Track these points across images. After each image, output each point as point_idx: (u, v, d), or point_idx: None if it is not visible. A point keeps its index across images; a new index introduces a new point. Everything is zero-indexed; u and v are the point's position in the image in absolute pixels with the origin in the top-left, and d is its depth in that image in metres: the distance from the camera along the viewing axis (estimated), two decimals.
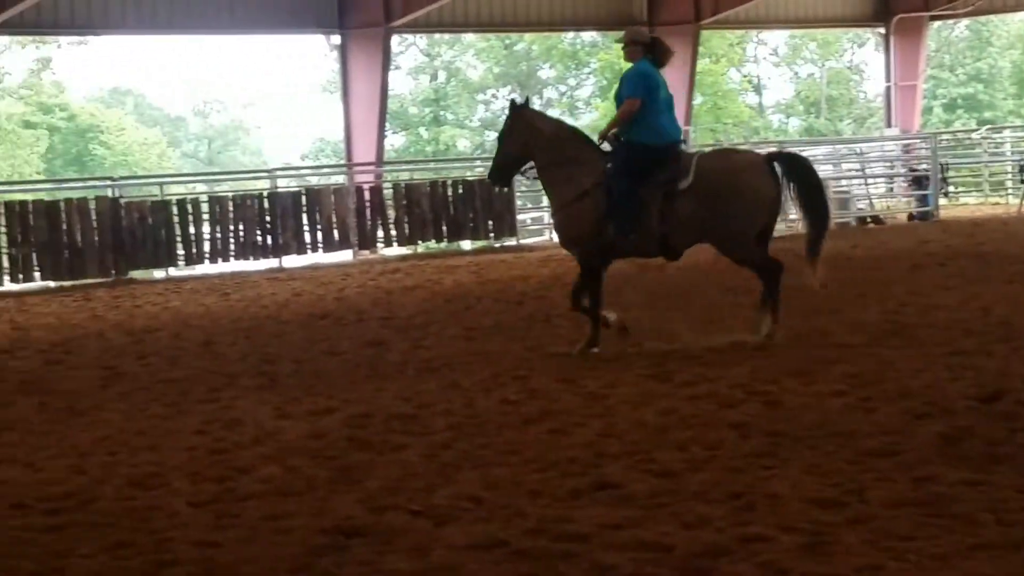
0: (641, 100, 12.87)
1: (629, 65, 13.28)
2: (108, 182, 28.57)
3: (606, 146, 13.17)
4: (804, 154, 36.35)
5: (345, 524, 7.22)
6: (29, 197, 26.63)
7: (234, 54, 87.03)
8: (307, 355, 13.95)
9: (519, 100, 13.64)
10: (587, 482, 7.85)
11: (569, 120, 68.45)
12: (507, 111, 13.57)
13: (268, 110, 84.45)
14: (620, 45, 13.54)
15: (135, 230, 25.74)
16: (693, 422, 9.47)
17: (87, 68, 77.13)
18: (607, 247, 12.94)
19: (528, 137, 13.18)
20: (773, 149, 13.27)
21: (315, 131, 72.78)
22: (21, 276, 24.81)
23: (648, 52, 13.21)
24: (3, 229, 24.70)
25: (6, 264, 24.73)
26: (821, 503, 7.20)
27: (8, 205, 25.25)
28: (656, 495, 7.53)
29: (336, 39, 32.95)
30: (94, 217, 25.44)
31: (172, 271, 26.53)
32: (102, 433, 10.23)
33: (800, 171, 13.03)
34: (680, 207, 12.66)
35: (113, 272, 25.38)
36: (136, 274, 25.82)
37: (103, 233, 25.39)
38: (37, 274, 24.94)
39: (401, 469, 8.48)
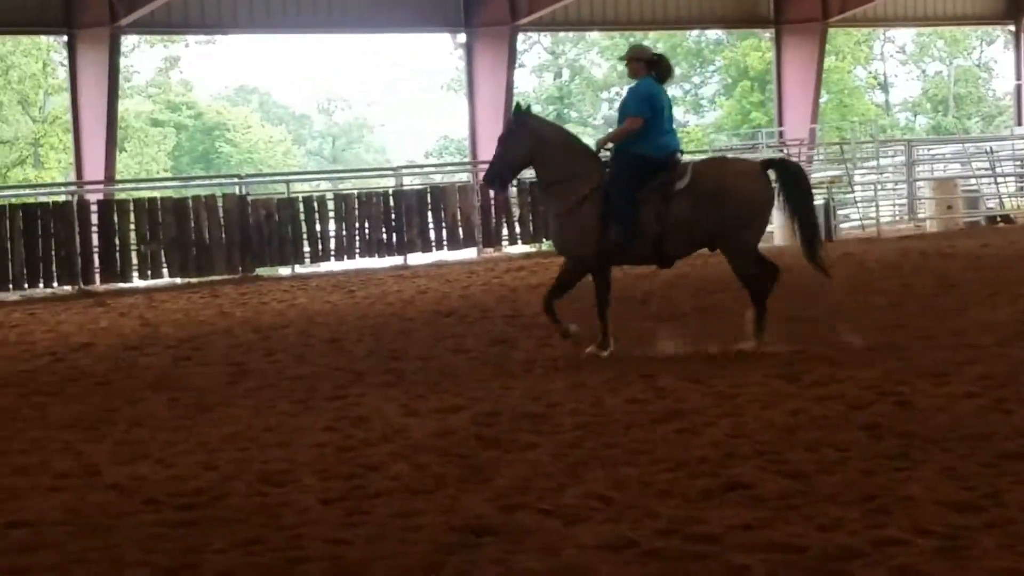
0: (644, 119, 12.95)
1: (634, 80, 13.36)
2: (235, 179, 28.85)
3: (604, 155, 13.25)
4: (932, 152, 36.13)
5: (475, 523, 7.20)
6: (157, 195, 26.94)
7: (359, 52, 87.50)
8: (433, 352, 13.97)
9: (523, 105, 13.58)
10: (717, 482, 7.78)
11: (693, 118, 68.33)
12: (512, 116, 13.55)
13: (392, 108, 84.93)
14: (623, 62, 13.59)
15: (262, 227, 25.97)
16: (823, 423, 9.36)
17: (214, 66, 77.88)
18: (607, 253, 12.99)
19: (531, 143, 13.18)
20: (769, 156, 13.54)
21: (439, 129, 73.05)
22: (150, 272, 25.12)
23: (651, 69, 13.25)
24: (133, 226, 25.01)
25: (135, 260, 25.04)
26: (957, 506, 7.08)
27: (138, 202, 25.58)
28: (787, 496, 7.45)
29: (462, 37, 33.04)
30: (221, 214, 25.70)
31: (298, 268, 26.72)
32: (231, 429, 10.30)
33: (793, 179, 13.17)
34: (675, 208, 12.77)
35: (240, 269, 25.62)
36: (262, 271, 26.04)
37: (230, 230, 25.65)
38: (166, 270, 25.24)
39: (530, 468, 8.46)
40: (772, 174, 13.16)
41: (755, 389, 10.73)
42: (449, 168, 43.41)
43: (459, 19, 32.56)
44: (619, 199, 12.79)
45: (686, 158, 13.61)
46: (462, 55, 33.61)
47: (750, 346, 12.68)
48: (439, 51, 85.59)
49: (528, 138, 13.17)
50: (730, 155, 36.08)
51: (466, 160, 36.52)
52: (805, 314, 14.64)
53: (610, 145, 13.23)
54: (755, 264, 12.94)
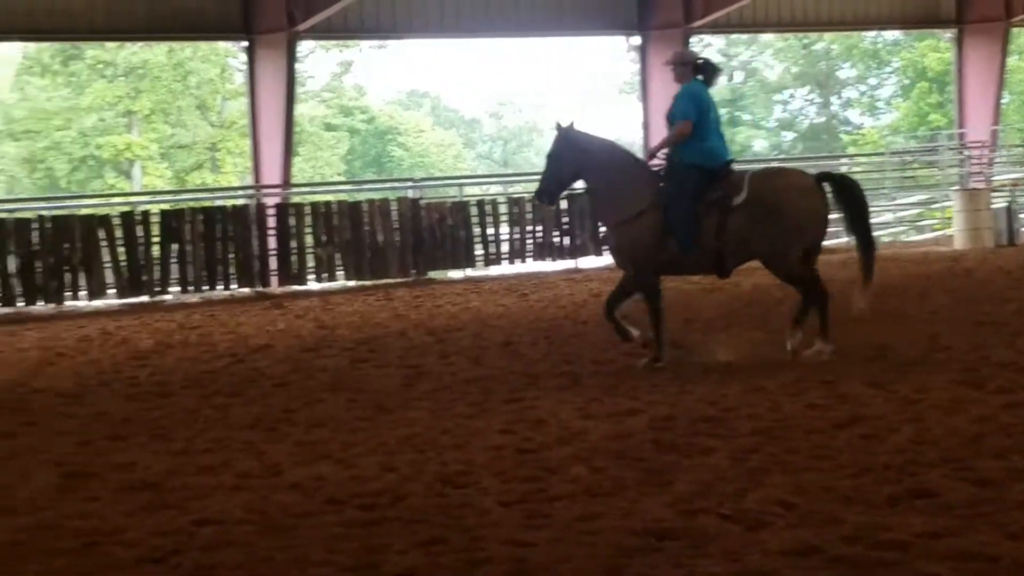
0: (692, 122, 13.04)
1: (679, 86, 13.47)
2: (408, 183, 29.06)
3: (656, 163, 13.43)
4: None
5: (655, 527, 7.15)
6: (331, 198, 27.25)
7: (530, 55, 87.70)
8: (607, 356, 13.94)
9: (563, 123, 13.68)
10: (903, 489, 7.64)
11: (868, 120, 67.45)
12: (554, 133, 13.71)
13: (563, 111, 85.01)
14: (670, 67, 13.67)
15: (434, 230, 26.13)
16: (1011, 430, 9.16)
17: (386, 71, 78.61)
18: (665, 264, 13.12)
19: (577, 158, 13.38)
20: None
21: (612, 132, 72.88)
22: (325, 275, 25.41)
23: (698, 72, 13.37)
24: (309, 229, 25.32)
25: (311, 263, 25.35)
26: None
27: (314, 206, 25.88)
28: (976, 504, 7.29)
29: (636, 40, 32.95)
30: (395, 218, 25.91)
31: (470, 271, 26.84)
32: (409, 431, 10.34)
33: (849, 194, 13.17)
34: (734, 223, 12.87)
35: (413, 272, 25.80)
36: (434, 274, 26.20)
37: (404, 233, 25.85)
38: (340, 273, 25.50)
39: (709, 472, 8.38)
40: (828, 188, 13.19)
41: (939, 395, 10.54)
42: None
43: (632, 22, 32.47)
44: (679, 213, 12.90)
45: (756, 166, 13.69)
46: (636, 58, 33.53)
47: (792, 343, 12.91)
48: (612, 54, 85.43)
49: (572, 153, 13.40)
50: (908, 158, 35.66)
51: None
52: (989, 319, 14.38)
53: (663, 152, 13.40)
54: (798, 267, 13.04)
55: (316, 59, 66.15)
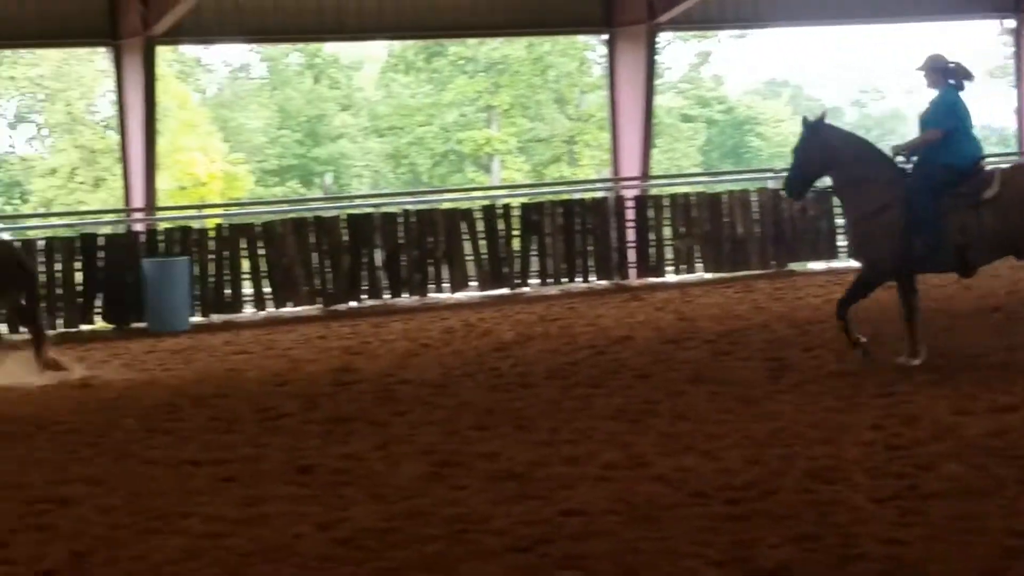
0: (945, 131, 12.72)
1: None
2: (768, 174, 28.73)
3: (899, 159, 13.03)
4: None
5: None
6: (688, 190, 27.12)
7: (895, 40, 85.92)
8: (980, 350, 13.49)
9: (811, 118, 13.36)
10: None
11: None
12: (801, 127, 13.39)
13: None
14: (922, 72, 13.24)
15: (796, 222, 25.76)
16: None
17: (744, 60, 78.06)
18: (909, 262, 12.73)
19: (824, 154, 13.07)
20: None
21: (982, 118, 70.89)
22: (684, 267, 25.31)
23: (949, 77, 12.99)
24: (667, 221, 25.26)
25: (669, 255, 25.27)
26: None
27: (673, 198, 25.82)
28: None
29: (1010, 23, 31.82)
30: (755, 209, 25.64)
31: (832, 263, 26.38)
32: (775, 424, 10.19)
33: None
34: (983, 218, 12.43)
35: (773, 263, 25.50)
36: (794, 266, 25.83)
37: (764, 224, 25.56)
38: (699, 265, 25.36)
39: None
40: None
41: None
42: (989, 159, 42.01)
43: (1008, 3, 31.35)
44: (923, 209, 12.54)
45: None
46: (1009, 41, 32.38)
47: None
48: (983, 37, 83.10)
49: (819, 148, 13.11)
50: None
51: (1009, 151, 35.22)
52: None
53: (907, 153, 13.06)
54: None
55: (673, 50, 66.15)
